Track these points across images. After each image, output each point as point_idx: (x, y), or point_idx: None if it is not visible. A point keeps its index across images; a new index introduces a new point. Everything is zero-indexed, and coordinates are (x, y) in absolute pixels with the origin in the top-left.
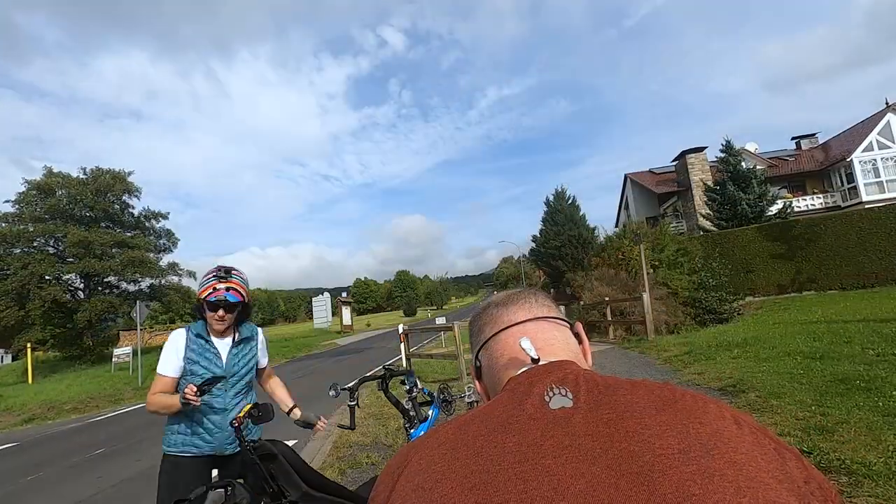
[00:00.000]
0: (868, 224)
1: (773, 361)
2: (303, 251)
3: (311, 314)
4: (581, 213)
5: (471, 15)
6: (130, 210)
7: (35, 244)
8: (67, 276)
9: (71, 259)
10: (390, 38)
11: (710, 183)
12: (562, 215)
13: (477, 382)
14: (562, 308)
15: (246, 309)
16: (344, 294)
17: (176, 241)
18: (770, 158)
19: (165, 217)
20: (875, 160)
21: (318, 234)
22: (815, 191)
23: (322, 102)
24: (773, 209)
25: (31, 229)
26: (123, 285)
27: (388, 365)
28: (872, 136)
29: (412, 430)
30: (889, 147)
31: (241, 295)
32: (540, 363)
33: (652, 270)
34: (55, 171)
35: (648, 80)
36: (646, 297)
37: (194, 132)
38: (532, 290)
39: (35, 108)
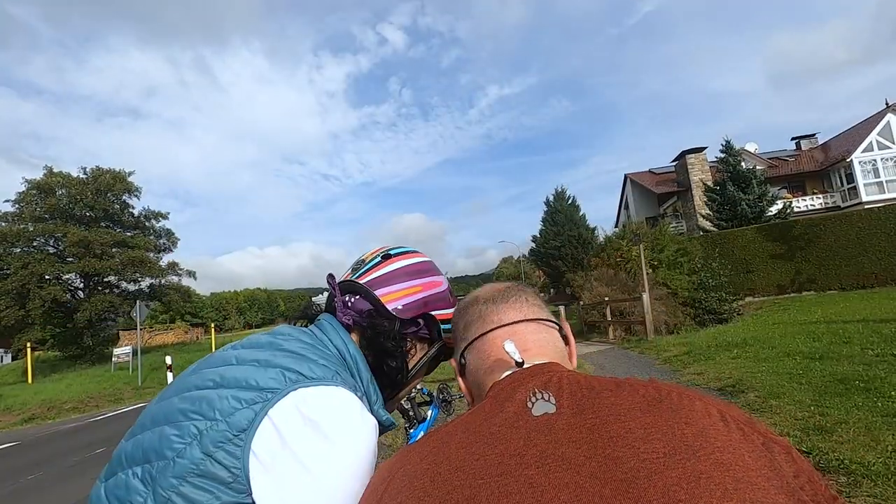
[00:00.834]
0: (868, 224)
1: (773, 362)
2: (302, 250)
3: None
4: (581, 214)
5: (471, 11)
6: (130, 210)
7: (35, 244)
8: (67, 276)
9: (71, 258)
10: (390, 35)
11: (709, 183)
12: (562, 215)
13: (461, 380)
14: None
15: None
16: None
17: (176, 240)
18: (770, 159)
19: (165, 217)
20: (875, 160)
21: (318, 233)
22: (815, 191)
23: (322, 101)
24: (773, 209)
25: (31, 229)
26: (123, 285)
27: None
28: (872, 137)
29: (411, 431)
30: (889, 147)
31: None
32: (524, 366)
33: (651, 271)
34: (55, 171)
35: (649, 81)
36: (645, 297)
37: (194, 130)
38: (522, 287)
39: (31, 105)
